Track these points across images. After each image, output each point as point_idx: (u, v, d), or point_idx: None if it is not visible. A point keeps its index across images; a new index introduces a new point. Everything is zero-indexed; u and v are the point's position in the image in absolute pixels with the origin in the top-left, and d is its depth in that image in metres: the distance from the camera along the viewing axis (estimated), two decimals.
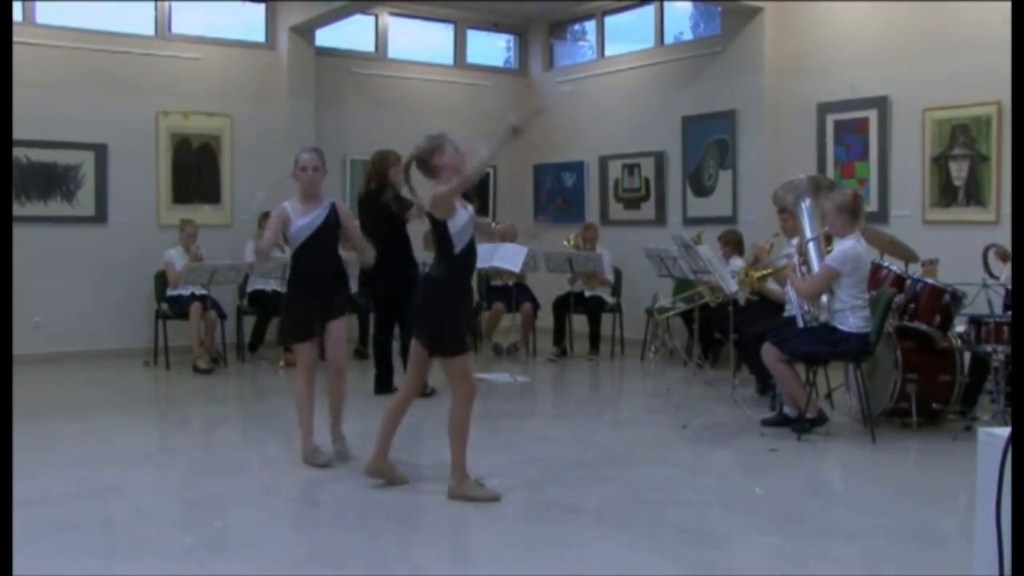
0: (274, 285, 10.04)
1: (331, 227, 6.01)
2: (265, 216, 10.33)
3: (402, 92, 12.11)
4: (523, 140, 13.37)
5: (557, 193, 12.79)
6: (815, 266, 6.76)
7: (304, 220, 5.89)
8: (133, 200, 10.56)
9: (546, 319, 11.03)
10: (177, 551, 4.35)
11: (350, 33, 11.96)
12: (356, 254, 6.52)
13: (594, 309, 10.83)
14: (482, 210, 12.68)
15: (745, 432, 6.77)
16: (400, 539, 4.53)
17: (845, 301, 6.44)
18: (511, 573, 4.07)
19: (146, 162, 10.69)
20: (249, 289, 10.42)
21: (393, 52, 12.32)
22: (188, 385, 9.10)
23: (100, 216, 10.46)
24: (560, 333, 10.81)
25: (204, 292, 9.89)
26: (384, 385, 8.20)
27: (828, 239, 6.89)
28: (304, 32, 11.23)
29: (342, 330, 6.10)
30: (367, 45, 12.20)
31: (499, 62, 13.43)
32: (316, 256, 5.96)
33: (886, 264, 7.22)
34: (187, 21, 10.99)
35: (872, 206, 9.02)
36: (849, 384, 7.29)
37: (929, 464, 6.12)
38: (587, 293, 10.85)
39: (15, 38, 9.84)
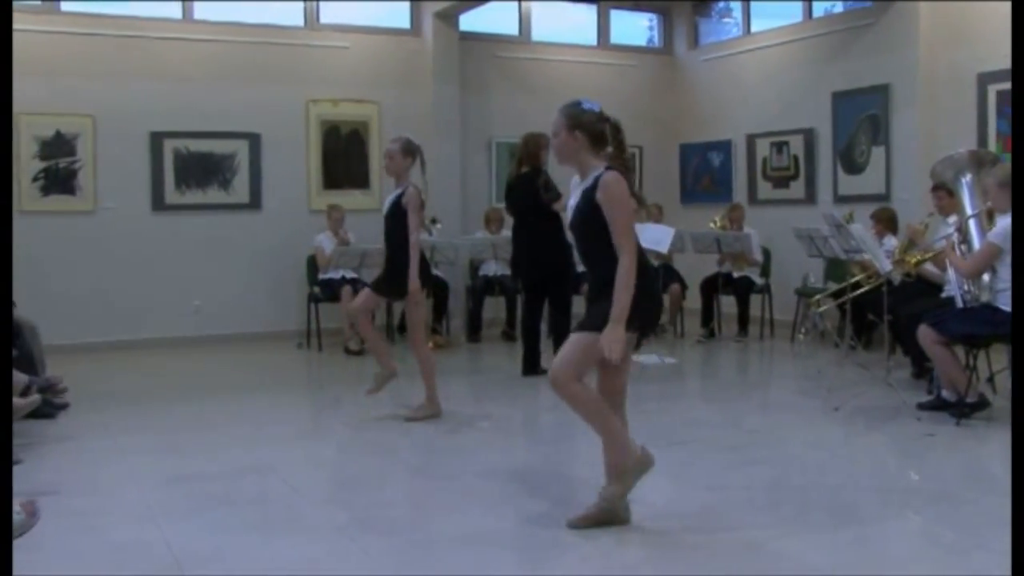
0: None
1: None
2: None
3: (546, 75, 12.10)
4: (669, 119, 13.24)
5: (704, 173, 12.61)
6: (976, 244, 6.49)
7: None
8: (285, 186, 10.86)
9: (694, 300, 10.91)
10: (330, 527, 4.46)
11: (494, 17, 12.00)
12: None
13: (742, 290, 10.65)
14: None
15: (900, 416, 6.56)
16: (549, 520, 4.53)
17: (1008, 280, 6.16)
18: (657, 554, 4.04)
19: (297, 150, 10.97)
20: None
21: (536, 35, 12.33)
22: (339, 366, 9.33)
23: (254, 203, 10.79)
24: (708, 314, 10.68)
25: (355, 275, 10.13)
26: (531, 366, 8.25)
27: (990, 216, 6.60)
28: (448, 18, 11.33)
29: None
30: (511, 29, 12.24)
31: (643, 42, 13.29)
32: None
33: None
34: (335, 11, 11.22)
35: None
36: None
37: None
38: (735, 274, 10.69)
39: (174, 35, 10.33)
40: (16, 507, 4.12)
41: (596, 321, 4.12)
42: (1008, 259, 6.13)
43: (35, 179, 9.86)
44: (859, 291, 7.87)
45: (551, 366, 4.30)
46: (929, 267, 7.58)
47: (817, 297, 8.46)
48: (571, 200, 4.37)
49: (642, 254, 4.25)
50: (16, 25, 9.46)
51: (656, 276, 4.46)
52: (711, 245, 10.52)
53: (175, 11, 10.50)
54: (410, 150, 6.73)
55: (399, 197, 6.67)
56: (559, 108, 4.31)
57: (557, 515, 4.48)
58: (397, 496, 4.97)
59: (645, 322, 4.27)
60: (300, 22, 11.11)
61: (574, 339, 4.21)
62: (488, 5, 11.37)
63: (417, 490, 5.09)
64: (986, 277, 6.32)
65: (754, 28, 12.15)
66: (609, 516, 4.27)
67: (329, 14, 11.21)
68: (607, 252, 4.15)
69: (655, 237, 9.60)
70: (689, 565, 3.95)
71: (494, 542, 4.24)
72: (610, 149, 4.32)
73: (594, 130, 4.23)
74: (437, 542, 4.25)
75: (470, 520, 4.51)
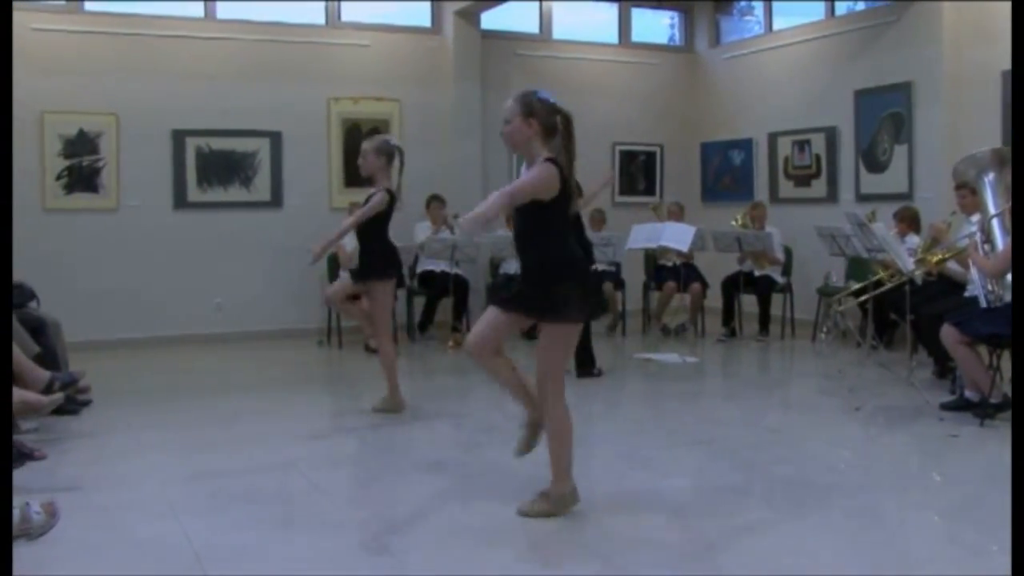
0: (443, 266, 10.20)
1: None
2: (434, 199, 10.56)
3: (567, 73, 12.08)
4: (690, 117, 13.17)
5: (725, 171, 12.57)
6: (999, 243, 6.44)
7: None
8: (306, 184, 10.89)
9: (715, 299, 10.88)
10: (352, 524, 4.48)
11: (515, 15, 12.00)
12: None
13: (764, 289, 10.61)
14: (649, 189, 12.60)
15: (923, 416, 6.52)
16: (570, 518, 4.53)
17: None
18: (673, 553, 4.04)
19: (318, 147, 11.00)
20: (419, 270, 10.61)
21: (558, 33, 12.32)
22: (360, 364, 9.35)
23: (276, 200, 10.83)
24: (729, 313, 10.65)
25: None
26: (583, 363, 8.07)
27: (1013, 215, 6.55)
28: (469, 16, 11.33)
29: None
30: (532, 27, 12.23)
31: (664, 40, 13.25)
32: None
33: None
34: (356, 9, 11.24)
35: None
36: None
37: None
38: (756, 273, 10.65)
39: (196, 34, 10.37)
40: (36, 507, 4.15)
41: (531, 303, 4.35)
42: None
43: (59, 177, 9.92)
44: (881, 289, 7.82)
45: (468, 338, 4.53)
46: (952, 266, 7.53)
47: (839, 296, 8.42)
48: None
49: (570, 246, 4.37)
50: (39, 24, 9.60)
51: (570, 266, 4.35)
52: (732, 244, 10.49)
53: (197, 10, 10.54)
54: (384, 151, 6.73)
55: (370, 197, 6.77)
56: (513, 96, 4.41)
57: (576, 514, 4.48)
58: (418, 493, 4.97)
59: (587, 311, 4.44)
60: (321, 20, 11.14)
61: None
62: (509, 3, 11.37)
63: (438, 487, 5.09)
64: (1010, 276, 6.27)
65: (776, 26, 12.11)
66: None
67: (350, 12, 11.23)
68: (536, 239, 4.33)
69: (676, 235, 9.59)
70: (708, 564, 3.95)
71: (514, 539, 4.23)
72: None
73: (547, 120, 4.34)
74: (458, 539, 4.25)
75: (489, 517, 4.51)
